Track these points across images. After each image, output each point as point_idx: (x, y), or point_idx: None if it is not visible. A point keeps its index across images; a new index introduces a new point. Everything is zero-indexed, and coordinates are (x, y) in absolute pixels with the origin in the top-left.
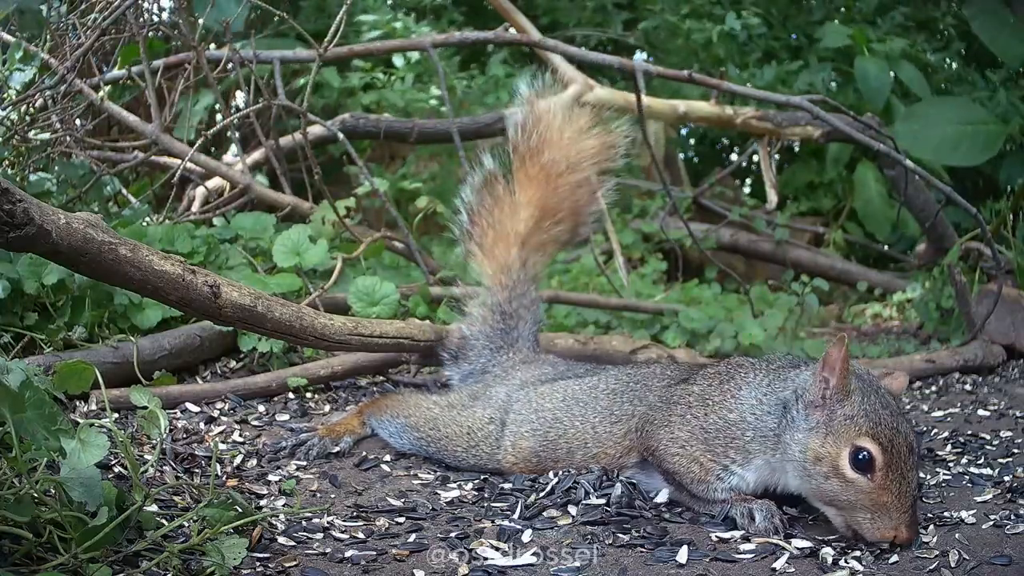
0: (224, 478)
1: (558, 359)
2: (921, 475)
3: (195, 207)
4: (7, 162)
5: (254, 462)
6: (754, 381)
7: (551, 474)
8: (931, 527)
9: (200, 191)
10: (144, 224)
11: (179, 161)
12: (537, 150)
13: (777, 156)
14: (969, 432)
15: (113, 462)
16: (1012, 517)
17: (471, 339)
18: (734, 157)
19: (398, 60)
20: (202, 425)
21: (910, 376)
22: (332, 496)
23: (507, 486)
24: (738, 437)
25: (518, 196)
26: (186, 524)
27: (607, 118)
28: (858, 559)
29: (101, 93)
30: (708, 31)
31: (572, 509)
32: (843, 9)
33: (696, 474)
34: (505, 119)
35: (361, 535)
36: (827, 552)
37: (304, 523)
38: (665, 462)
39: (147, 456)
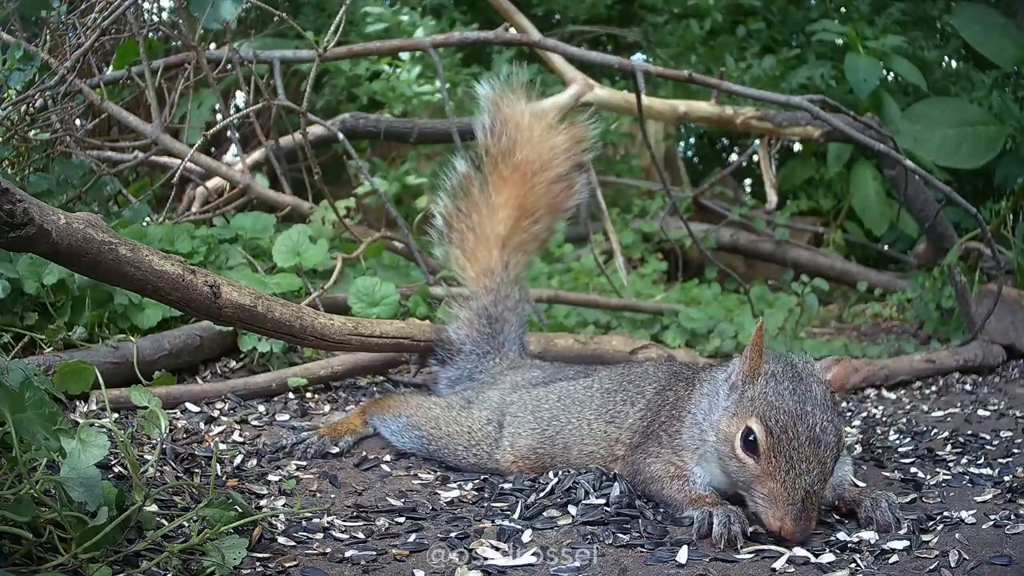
0: (224, 478)
1: (545, 363)
2: (921, 475)
3: (195, 207)
4: (7, 162)
5: (254, 462)
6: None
7: (551, 474)
8: (931, 527)
9: (200, 191)
10: (144, 224)
11: (179, 161)
12: (508, 151)
13: (777, 156)
14: (969, 432)
15: (113, 462)
16: (1012, 517)
17: (458, 343)
18: (734, 157)
19: (402, 52)
20: (202, 425)
21: (910, 376)
22: (332, 496)
23: (507, 486)
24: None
25: (494, 198)
26: (186, 524)
27: (572, 112)
28: (858, 559)
29: (101, 93)
30: (709, 7)
31: (572, 509)
32: (842, 9)
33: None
34: (473, 123)
35: (361, 535)
36: (827, 553)
37: (304, 523)
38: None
39: (147, 456)
